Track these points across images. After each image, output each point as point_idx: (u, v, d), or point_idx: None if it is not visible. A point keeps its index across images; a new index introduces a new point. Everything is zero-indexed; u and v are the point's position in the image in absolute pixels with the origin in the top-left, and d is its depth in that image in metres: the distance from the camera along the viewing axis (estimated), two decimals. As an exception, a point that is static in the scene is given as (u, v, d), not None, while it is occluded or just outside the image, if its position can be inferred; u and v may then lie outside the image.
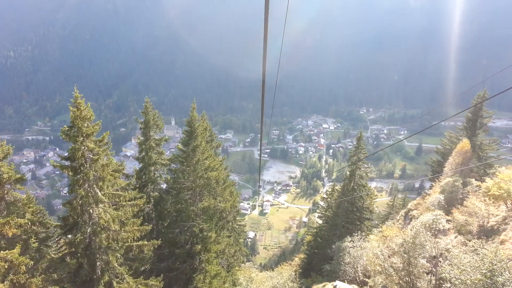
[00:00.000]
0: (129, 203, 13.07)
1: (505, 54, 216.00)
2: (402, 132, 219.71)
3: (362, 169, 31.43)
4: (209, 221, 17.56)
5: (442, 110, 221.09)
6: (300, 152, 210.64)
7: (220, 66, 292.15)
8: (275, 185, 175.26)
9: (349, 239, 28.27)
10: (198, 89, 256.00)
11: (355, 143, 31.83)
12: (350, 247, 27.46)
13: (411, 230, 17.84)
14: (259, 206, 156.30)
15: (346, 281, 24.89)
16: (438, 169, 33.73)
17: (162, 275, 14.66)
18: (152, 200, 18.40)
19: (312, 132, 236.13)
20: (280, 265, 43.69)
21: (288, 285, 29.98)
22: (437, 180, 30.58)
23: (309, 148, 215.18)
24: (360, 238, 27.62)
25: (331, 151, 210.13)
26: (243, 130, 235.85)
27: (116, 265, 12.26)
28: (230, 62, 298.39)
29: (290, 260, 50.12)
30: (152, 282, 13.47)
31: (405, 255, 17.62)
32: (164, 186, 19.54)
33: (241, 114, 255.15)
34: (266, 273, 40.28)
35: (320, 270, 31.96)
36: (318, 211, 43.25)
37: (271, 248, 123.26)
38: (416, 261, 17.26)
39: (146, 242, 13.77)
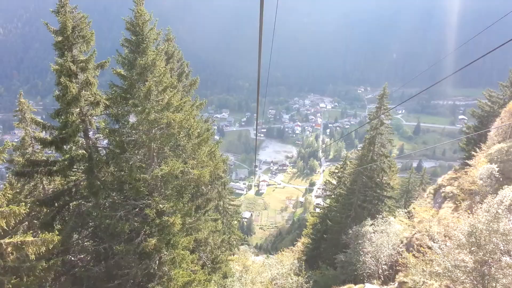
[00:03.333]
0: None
1: (506, 32, 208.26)
2: (400, 111, 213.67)
3: (385, 135, 25.00)
4: (176, 199, 10.82)
5: (441, 88, 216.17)
6: (297, 131, 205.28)
7: (215, 45, 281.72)
8: (272, 165, 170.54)
9: (370, 222, 22.30)
10: (192, 68, 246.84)
11: (376, 102, 25.12)
12: (372, 233, 21.56)
13: (486, 212, 11.84)
14: (255, 186, 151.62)
15: (371, 279, 18.88)
16: (474, 136, 27.55)
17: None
18: (78, 164, 11.12)
19: (309, 112, 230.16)
20: (280, 252, 37.95)
21: (291, 278, 24.04)
22: (478, 150, 24.35)
23: (306, 127, 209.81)
24: (385, 222, 21.59)
25: (328, 130, 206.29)
26: (239, 109, 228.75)
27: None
28: (225, 41, 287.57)
29: (291, 245, 44.45)
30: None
31: (475, 249, 11.65)
32: (104, 142, 12.01)
33: (237, 93, 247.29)
34: (264, 260, 34.69)
35: (330, 259, 26.07)
36: (326, 188, 37.11)
37: (268, 228, 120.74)
38: (494, 258, 11.31)
39: (31, 239, 7.01)
